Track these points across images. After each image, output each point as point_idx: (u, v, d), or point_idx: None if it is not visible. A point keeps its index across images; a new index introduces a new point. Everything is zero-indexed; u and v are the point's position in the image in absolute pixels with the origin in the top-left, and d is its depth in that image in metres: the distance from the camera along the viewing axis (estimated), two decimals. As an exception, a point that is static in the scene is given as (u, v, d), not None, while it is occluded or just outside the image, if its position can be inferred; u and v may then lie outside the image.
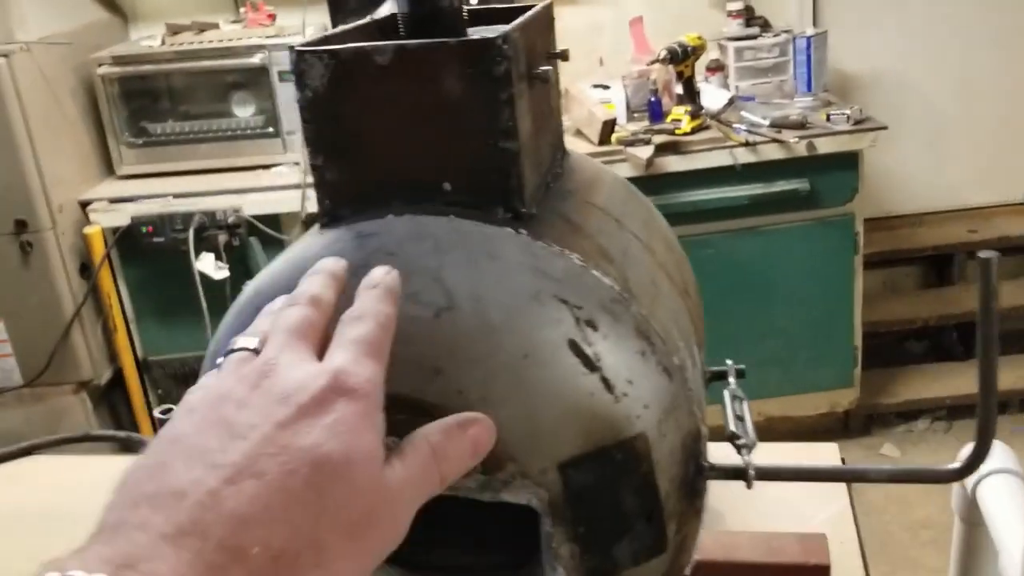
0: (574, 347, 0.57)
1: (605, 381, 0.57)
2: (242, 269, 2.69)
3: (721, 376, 0.73)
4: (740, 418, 0.66)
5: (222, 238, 2.67)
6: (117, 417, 2.86)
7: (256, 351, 0.42)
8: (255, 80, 2.80)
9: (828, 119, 2.65)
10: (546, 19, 0.71)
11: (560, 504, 0.57)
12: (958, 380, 3.04)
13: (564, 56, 0.71)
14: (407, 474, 0.41)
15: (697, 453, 0.62)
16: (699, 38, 2.68)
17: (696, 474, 0.62)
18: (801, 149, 2.59)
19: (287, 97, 2.78)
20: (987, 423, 0.59)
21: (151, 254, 2.70)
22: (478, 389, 0.56)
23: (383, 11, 2.84)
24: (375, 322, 0.43)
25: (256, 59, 2.73)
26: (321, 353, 0.42)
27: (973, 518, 1.00)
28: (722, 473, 0.62)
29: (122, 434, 1.18)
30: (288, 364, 0.40)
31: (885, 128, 2.60)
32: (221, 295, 2.66)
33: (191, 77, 2.81)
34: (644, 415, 0.58)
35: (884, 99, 3.08)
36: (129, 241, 2.70)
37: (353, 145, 0.61)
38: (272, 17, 2.91)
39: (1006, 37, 3.20)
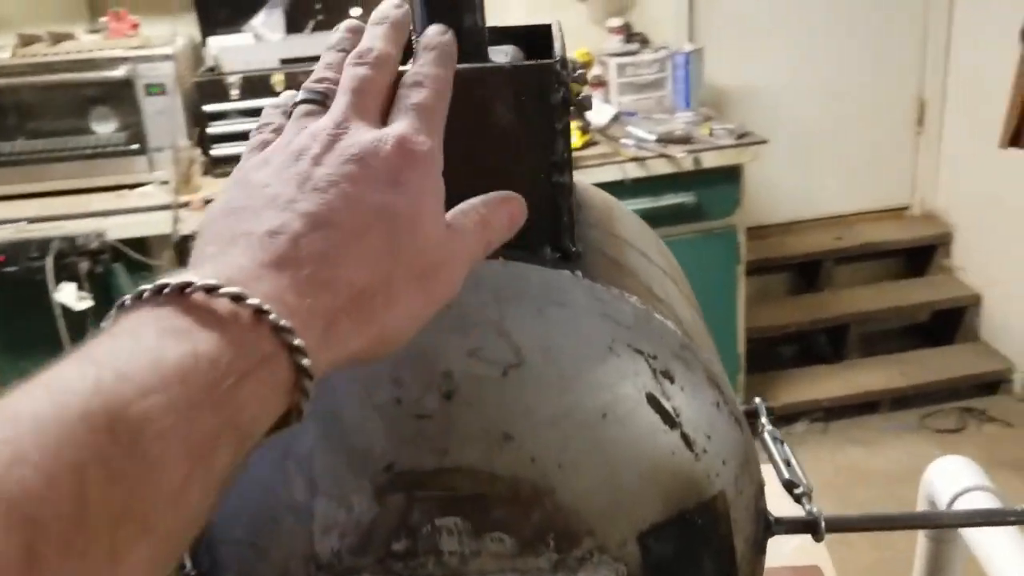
0: (653, 402, 0.52)
1: (685, 438, 0.52)
2: (106, 298, 2.50)
3: (751, 415, 0.69)
4: (787, 462, 0.63)
5: (84, 265, 2.46)
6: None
7: (322, 103, 0.45)
8: (117, 94, 2.60)
9: (712, 134, 2.70)
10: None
11: (637, 578, 0.52)
12: (831, 382, 3.15)
13: (584, 79, 0.66)
14: (463, 237, 0.44)
15: (763, 507, 0.58)
16: (587, 54, 2.68)
17: (764, 530, 0.57)
18: (688, 163, 2.62)
19: (153, 111, 2.61)
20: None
21: (3, 285, 2.46)
22: (554, 455, 0.50)
23: (260, 20, 2.66)
24: (433, 88, 0.45)
25: (120, 72, 2.54)
26: (382, 113, 0.44)
27: (942, 536, 1.00)
28: (790, 527, 0.58)
29: None
30: (358, 127, 0.42)
31: (766, 142, 2.68)
32: (82, 327, 2.46)
33: (44, 92, 2.59)
34: (723, 472, 0.53)
35: (754, 113, 3.17)
36: (-23, 272, 2.45)
37: (384, 180, 0.54)
38: (136, 27, 2.72)
39: (867, 55, 3.37)
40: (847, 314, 3.25)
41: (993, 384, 3.16)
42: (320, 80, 0.47)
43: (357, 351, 0.39)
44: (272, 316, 0.34)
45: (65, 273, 2.44)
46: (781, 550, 1.04)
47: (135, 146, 2.64)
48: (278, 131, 0.46)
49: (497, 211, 0.47)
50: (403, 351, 0.49)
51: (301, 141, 0.42)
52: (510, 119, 0.53)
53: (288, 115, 0.47)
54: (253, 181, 0.41)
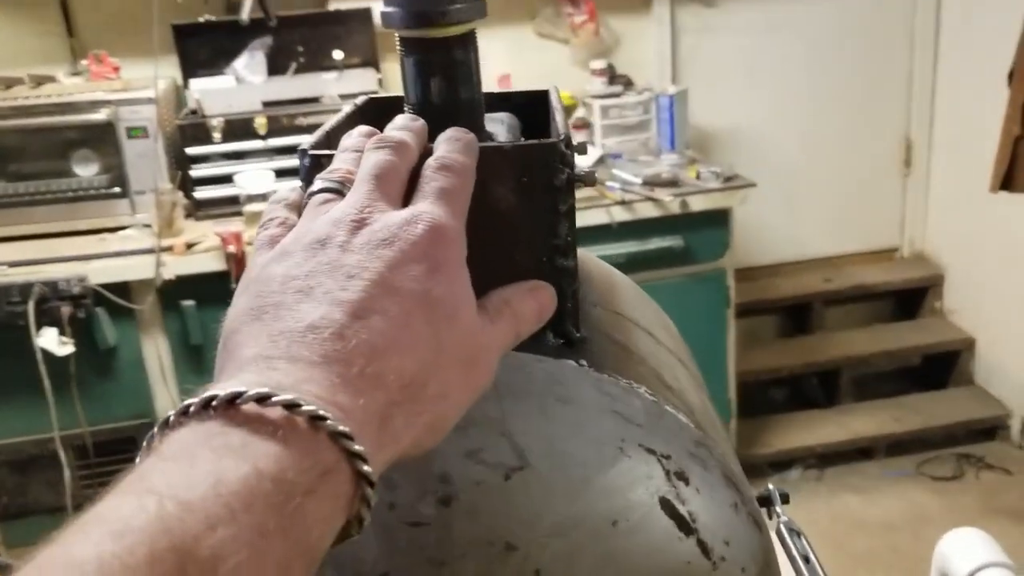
0: (667, 507, 0.48)
1: (702, 545, 0.48)
2: (88, 343, 2.45)
3: (763, 502, 0.65)
4: (806, 558, 0.59)
5: (66, 310, 2.41)
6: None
7: (339, 192, 0.43)
8: (99, 137, 2.57)
9: (698, 177, 2.69)
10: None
11: None
12: (825, 428, 3.11)
13: (583, 150, 0.62)
14: (495, 327, 0.43)
15: (784, 611, 0.54)
16: (571, 97, 2.67)
17: (785, 636, 0.54)
18: (675, 207, 2.60)
19: (135, 154, 2.58)
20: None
21: (-18, 331, 2.42)
22: (562, 567, 0.46)
23: (242, 63, 2.63)
24: (457, 174, 0.44)
25: (101, 115, 2.51)
26: (402, 199, 0.43)
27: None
28: (812, 633, 0.54)
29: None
30: (383, 211, 0.41)
31: (754, 185, 2.66)
32: (65, 372, 2.42)
33: (25, 135, 2.55)
34: (742, 579, 0.49)
35: (739, 155, 3.16)
36: (-45, 317, 2.40)
37: (375, 264, 0.50)
38: (117, 70, 2.69)
39: (853, 96, 3.37)
40: (839, 357, 3.22)
41: (990, 430, 3.12)
42: (336, 171, 0.45)
43: (408, 445, 0.37)
44: (329, 422, 0.32)
45: (47, 318, 2.40)
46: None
47: (117, 189, 2.60)
48: (285, 225, 0.43)
49: (525, 301, 0.46)
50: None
51: (322, 229, 0.40)
52: (511, 201, 0.50)
53: (294, 209, 0.45)
54: (275, 275, 0.39)
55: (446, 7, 0.53)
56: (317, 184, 0.44)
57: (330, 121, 0.60)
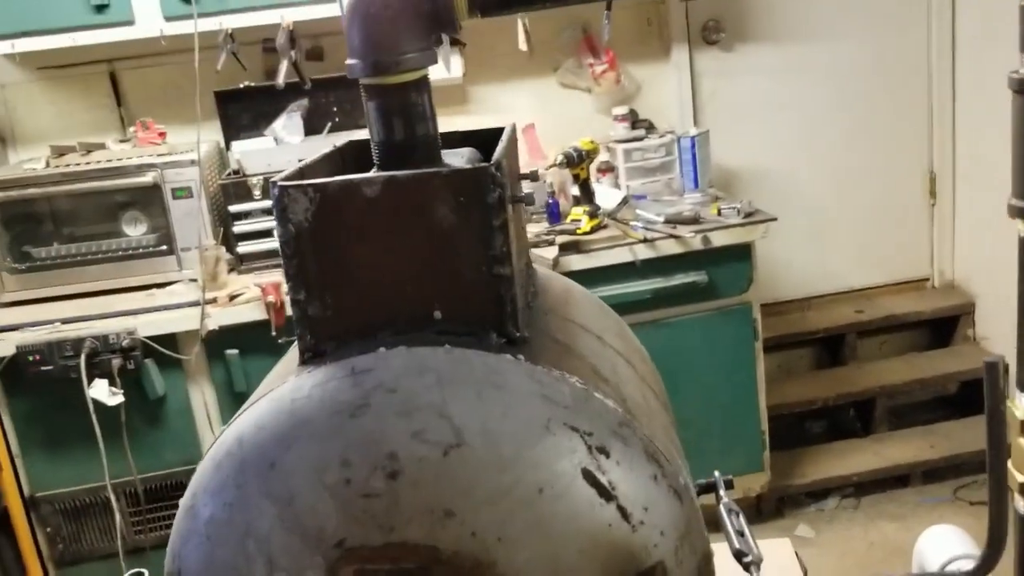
0: (589, 476, 0.55)
1: (622, 510, 0.55)
2: (138, 393, 2.57)
3: (710, 488, 0.72)
4: (740, 533, 0.65)
5: (116, 362, 2.55)
6: (2, 561, 2.65)
7: None
8: (147, 198, 2.73)
9: (719, 213, 2.75)
10: (514, 141, 0.71)
11: (583, 645, 0.54)
12: (861, 457, 3.12)
13: (535, 177, 0.71)
14: None
15: None
16: (592, 142, 2.77)
17: (711, 597, 0.60)
18: (696, 243, 2.66)
19: (180, 213, 2.72)
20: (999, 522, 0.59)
21: (38, 384, 2.55)
22: (494, 530, 0.53)
23: (280, 124, 2.78)
24: None
25: (148, 177, 2.67)
26: None
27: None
28: (737, 594, 0.60)
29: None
30: None
31: (775, 220, 2.71)
32: (115, 422, 2.54)
33: (77, 199, 2.72)
34: (661, 543, 0.56)
35: (764, 192, 3.22)
36: (14, 372, 2.54)
37: (337, 278, 0.59)
38: (163, 135, 2.85)
39: (875, 131, 3.42)
40: (873, 387, 3.23)
41: (1025, 454, 3.10)
42: None
43: None
44: None
45: (98, 370, 2.53)
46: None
47: (164, 247, 2.75)
48: None
49: None
50: (352, 434, 0.53)
51: None
52: (451, 218, 0.58)
53: None
54: None
55: (399, 57, 0.62)
56: None
57: (308, 159, 0.69)
